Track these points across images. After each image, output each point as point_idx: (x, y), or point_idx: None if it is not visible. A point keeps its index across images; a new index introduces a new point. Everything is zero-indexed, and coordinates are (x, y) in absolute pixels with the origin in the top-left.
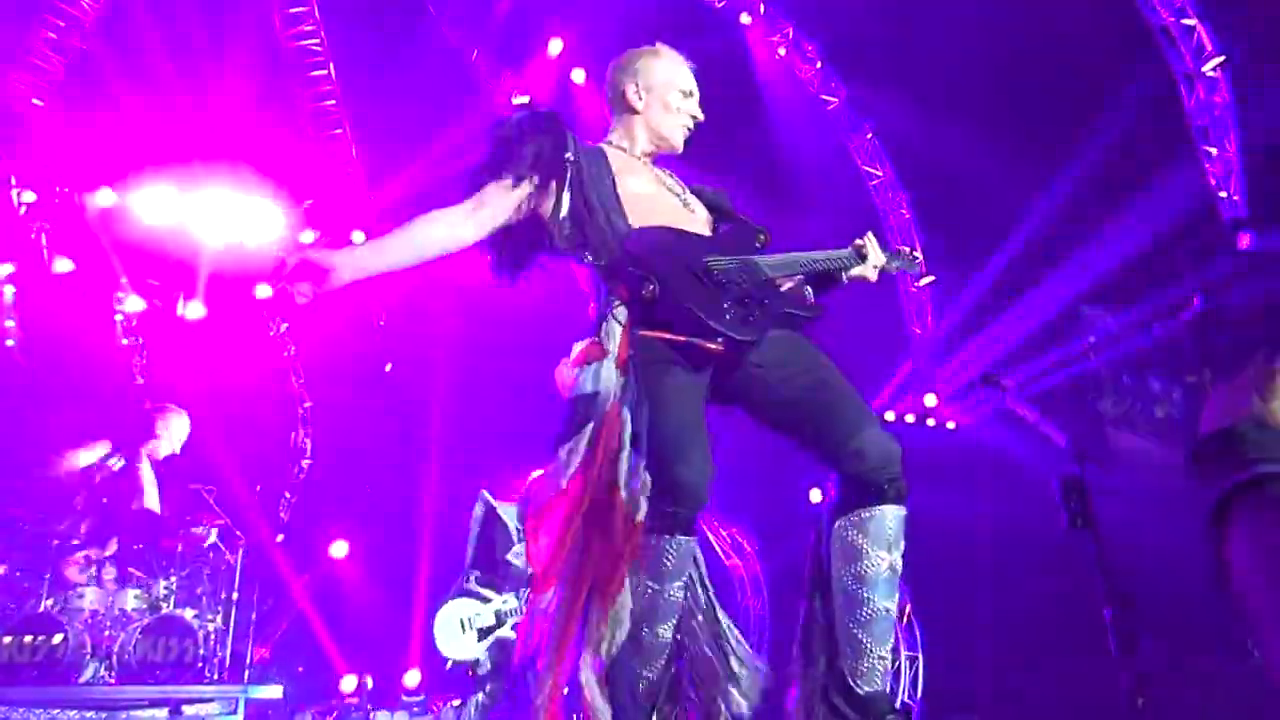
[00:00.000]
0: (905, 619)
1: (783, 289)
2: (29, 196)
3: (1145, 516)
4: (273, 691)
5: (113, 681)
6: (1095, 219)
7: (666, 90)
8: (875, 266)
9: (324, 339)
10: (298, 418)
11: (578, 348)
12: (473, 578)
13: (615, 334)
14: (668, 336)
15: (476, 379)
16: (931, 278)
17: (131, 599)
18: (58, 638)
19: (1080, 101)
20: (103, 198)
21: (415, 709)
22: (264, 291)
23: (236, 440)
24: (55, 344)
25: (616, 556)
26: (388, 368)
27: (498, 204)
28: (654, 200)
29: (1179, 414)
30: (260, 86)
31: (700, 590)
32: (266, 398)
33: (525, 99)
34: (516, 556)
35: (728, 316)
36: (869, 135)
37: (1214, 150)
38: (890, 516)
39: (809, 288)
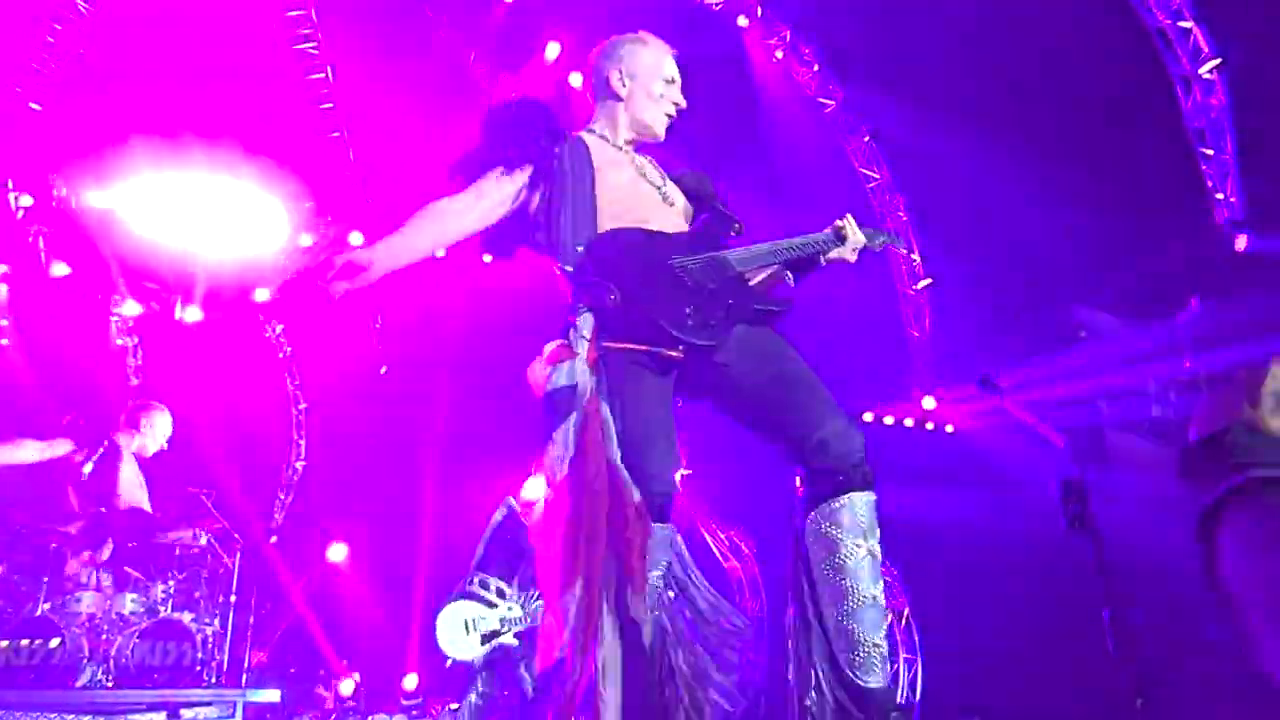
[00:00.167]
0: (904, 621)
1: (753, 282)
2: (26, 200)
3: (1144, 518)
4: (270, 695)
5: (110, 685)
6: (1092, 220)
7: (650, 78)
8: (854, 248)
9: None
10: (292, 419)
11: (549, 348)
12: (477, 580)
13: (582, 341)
14: (629, 347)
15: (475, 379)
16: (929, 280)
17: (129, 603)
18: (54, 642)
19: (1077, 104)
20: (100, 201)
21: (414, 712)
22: (261, 295)
23: (232, 441)
24: (49, 344)
25: (629, 545)
26: (383, 370)
27: (496, 194)
28: (632, 194)
29: (1176, 415)
30: (258, 90)
31: (682, 576)
32: (262, 399)
33: None
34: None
35: (689, 323)
36: (866, 138)
37: (1210, 152)
38: (860, 503)
39: (789, 273)
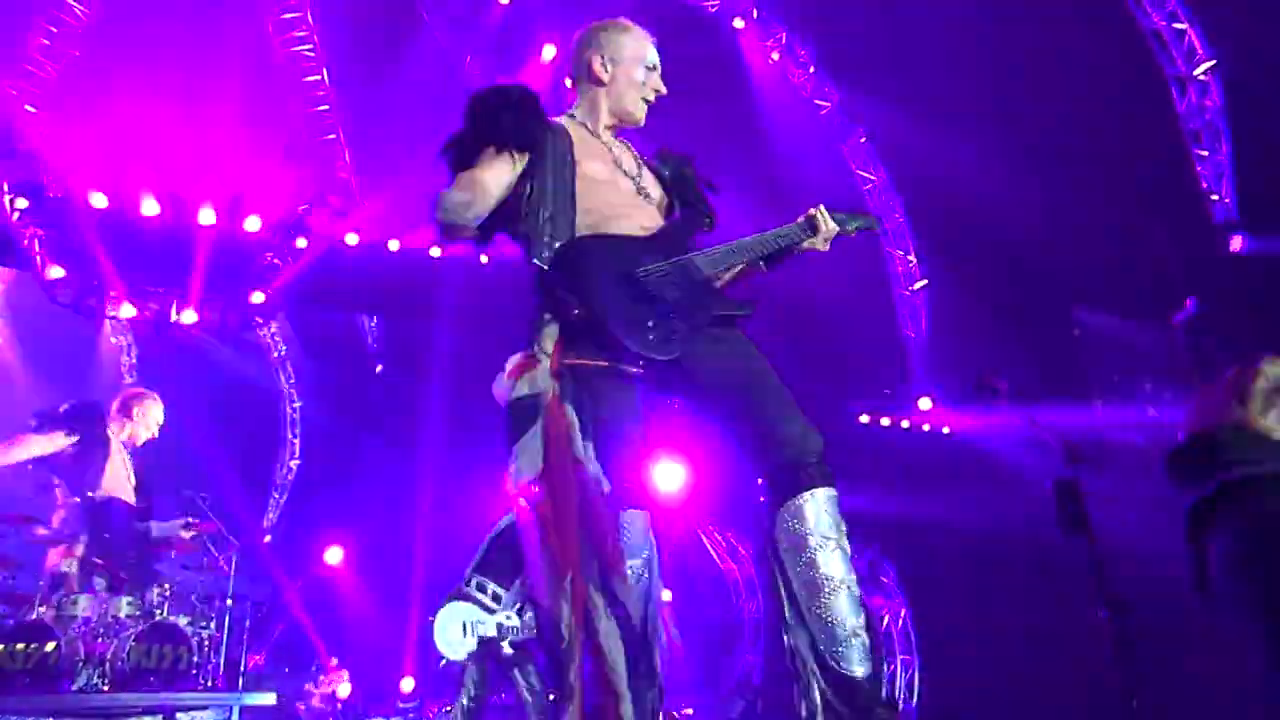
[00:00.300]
0: (901, 623)
1: (720, 283)
2: (22, 203)
3: (1139, 519)
4: (267, 698)
5: (106, 689)
6: (1088, 221)
7: (632, 64)
8: (827, 238)
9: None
10: (286, 418)
11: (513, 361)
12: (475, 582)
13: (544, 355)
14: (590, 364)
15: (473, 380)
16: (925, 281)
17: (125, 606)
18: (50, 645)
19: (1073, 105)
20: (96, 203)
21: (410, 715)
22: (257, 297)
23: (229, 443)
24: (45, 343)
25: (603, 538)
26: (378, 369)
27: (493, 181)
28: (609, 186)
29: (1173, 415)
30: (254, 92)
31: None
32: (257, 398)
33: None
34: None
35: (650, 337)
36: (862, 139)
37: (1205, 153)
38: (823, 498)
39: (762, 263)
